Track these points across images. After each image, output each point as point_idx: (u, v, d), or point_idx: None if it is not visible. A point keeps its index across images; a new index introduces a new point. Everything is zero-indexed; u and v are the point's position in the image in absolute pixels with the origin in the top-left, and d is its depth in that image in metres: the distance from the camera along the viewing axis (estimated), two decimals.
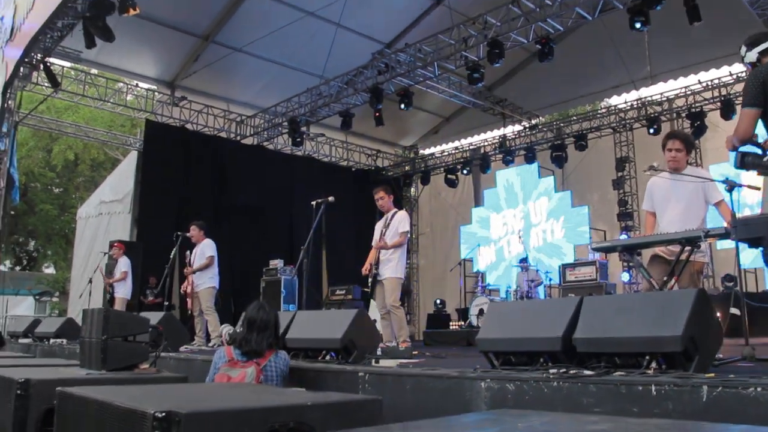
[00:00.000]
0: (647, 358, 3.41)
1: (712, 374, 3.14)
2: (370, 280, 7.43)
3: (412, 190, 19.74)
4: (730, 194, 4.47)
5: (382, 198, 7.70)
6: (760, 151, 3.74)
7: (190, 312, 9.61)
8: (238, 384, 4.15)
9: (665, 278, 4.85)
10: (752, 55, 3.83)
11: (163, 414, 2.37)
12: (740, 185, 4.49)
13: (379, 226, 7.68)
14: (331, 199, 7.10)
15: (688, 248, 4.70)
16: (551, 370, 3.52)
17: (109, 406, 2.77)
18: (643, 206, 5.75)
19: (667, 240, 4.79)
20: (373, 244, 7.54)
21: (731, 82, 13.28)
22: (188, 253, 9.75)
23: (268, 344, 4.50)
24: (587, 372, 3.41)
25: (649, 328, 3.43)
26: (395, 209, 7.73)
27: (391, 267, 7.27)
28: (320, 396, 3.11)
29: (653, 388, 2.97)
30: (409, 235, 7.65)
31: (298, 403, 2.83)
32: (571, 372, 3.42)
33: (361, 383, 4.32)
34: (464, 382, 3.67)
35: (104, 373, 4.57)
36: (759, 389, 2.67)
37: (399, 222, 7.43)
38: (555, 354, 3.78)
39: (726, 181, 4.44)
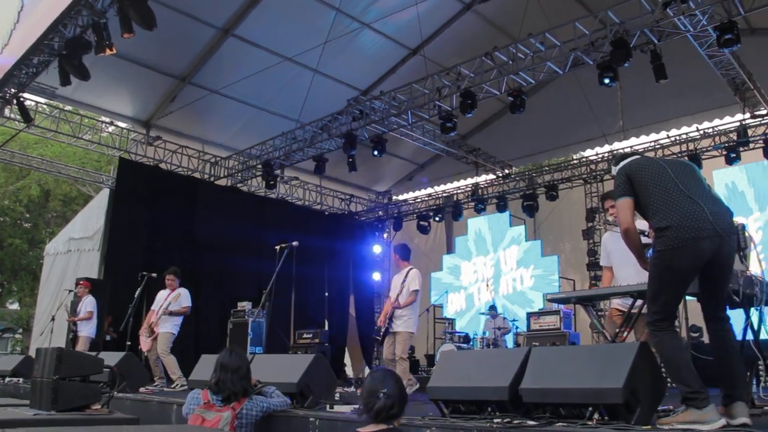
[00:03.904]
0: (590, 409, 3.47)
1: (649, 426, 3.20)
2: (381, 331, 8.13)
3: (385, 235, 19.81)
4: None
5: (394, 257, 8.77)
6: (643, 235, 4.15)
7: (146, 353, 9.60)
8: (188, 427, 4.13)
9: (617, 330, 4.93)
10: (618, 169, 4.16)
11: None
12: None
13: (396, 281, 8.39)
14: (295, 243, 7.12)
15: (640, 301, 4.79)
16: (495, 420, 3.56)
17: None
18: (600, 262, 5.89)
19: (618, 293, 4.88)
20: (390, 295, 8.32)
21: (698, 137, 13.60)
22: (162, 293, 9.79)
23: (242, 387, 4.52)
24: (530, 422, 3.45)
25: (592, 379, 3.50)
26: (410, 266, 8.41)
27: (404, 321, 7.98)
28: None
29: None
30: (420, 292, 8.27)
31: None
32: (515, 422, 3.47)
33: (311, 428, 4.32)
34: (411, 429, 3.69)
35: (53, 414, 4.51)
36: None
37: (411, 280, 8.12)
38: (502, 403, 3.82)
39: None
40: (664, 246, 3.65)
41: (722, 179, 13.26)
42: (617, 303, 5.32)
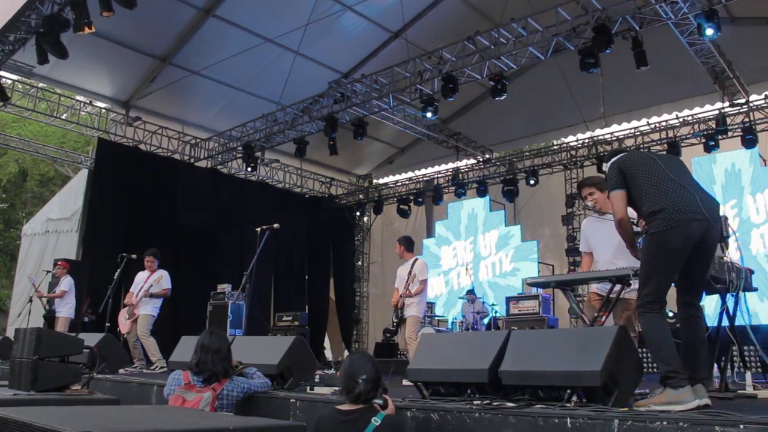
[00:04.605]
0: (568, 391, 3.52)
1: (626, 408, 3.25)
2: (395, 321, 8.70)
3: (365, 218, 19.82)
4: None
5: (397, 249, 8.88)
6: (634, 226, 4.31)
7: (123, 335, 9.57)
8: (168, 407, 4.14)
9: (595, 315, 4.99)
10: (610, 164, 4.29)
11: None
12: None
13: (402, 271, 8.73)
14: (276, 226, 7.13)
15: (618, 286, 4.84)
16: (475, 402, 3.60)
17: (30, 427, 2.74)
18: (580, 248, 5.95)
19: (597, 277, 4.93)
20: (396, 285, 8.73)
21: (677, 125, 13.72)
22: (140, 275, 9.75)
23: (223, 368, 4.54)
24: (509, 404, 3.49)
25: (570, 362, 3.54)
26: (415, 257, 8.79)
27: (413, 307, 8.47)
28: (244, 420, 3.13)
29: (568, 420, 3.07)
30: (428, 281, 8.75)
31: (221, 426, 2.84)
32: (494, 404, 3.51)
33: (292, 409, 4.35)
34: None
35: (32, 394, 4.50)
36: (665, 423, 2.79)
37: (419, 271, 8.50)
38: (482, 386, 3.86)
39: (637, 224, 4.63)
40: (657, 228, 3.81)
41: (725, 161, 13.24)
42: (596, 287, 5.38)
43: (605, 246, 5.32)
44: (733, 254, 4.69)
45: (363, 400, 3.52)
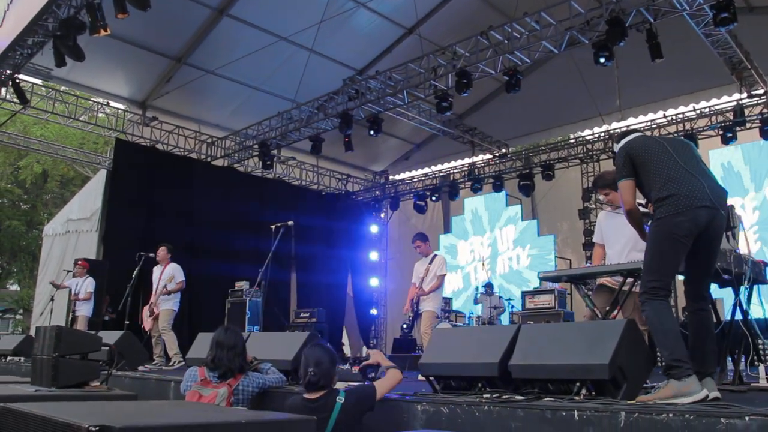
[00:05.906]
0: (577, 384, 3.55)
1: (634, 401, 3.28)
2: (410, 315, 8.69)
3: (382, 215, 19.86)
4: None
5: (419, 246, 8.84)
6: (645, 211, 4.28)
7: (148, 333, 9.67)
8: (184, 402, 4.21)
9: (608, 308, 5.00)
10: (619, 148, 4.24)
11: (97, 428, 2.42)
12: None
13: (419, 267, 8.77)
14: (290, 223, 7.22)
15: (630, 279, 4.86)
16: (485, 395, 3.64)
17: (49, 421, 2.81)
18: (593, 238, 5.97)
19: (609, 271, 4.95)
20: (414, 280, 8.72)
21: (694, 117, 13.62)
22: (155, 271, 9.86)
23: (238, 364, 4.62)
24: (518, 397, 3.53)
25: (579, 356, 3.57)
26: (434, 253, 8.89)
27: (428, 302, 8.51)
28: (255, 414, 3.19)
29: (576, 413, 3.10)
30: (445, 276, 8.77)
31: (233, 420, 2.90)
32: (504, 397, 3.54)
33: None
34: (401, 404, 3.78)
35: (53, 390, 4.60)
36: (671, 415, 2.82)
37: (437, 266, 8.56)
38: (492, 379, 3.90)
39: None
40: (664, 213, 3.78)
41: (718, 159, 13.31)
42: (607, 279, 5.38)
43: (617, 238, 5.35)
44: (743, 247, 4.67)
45: (315, 388, 3.92)
